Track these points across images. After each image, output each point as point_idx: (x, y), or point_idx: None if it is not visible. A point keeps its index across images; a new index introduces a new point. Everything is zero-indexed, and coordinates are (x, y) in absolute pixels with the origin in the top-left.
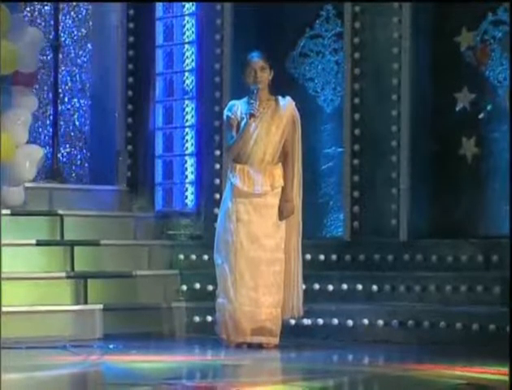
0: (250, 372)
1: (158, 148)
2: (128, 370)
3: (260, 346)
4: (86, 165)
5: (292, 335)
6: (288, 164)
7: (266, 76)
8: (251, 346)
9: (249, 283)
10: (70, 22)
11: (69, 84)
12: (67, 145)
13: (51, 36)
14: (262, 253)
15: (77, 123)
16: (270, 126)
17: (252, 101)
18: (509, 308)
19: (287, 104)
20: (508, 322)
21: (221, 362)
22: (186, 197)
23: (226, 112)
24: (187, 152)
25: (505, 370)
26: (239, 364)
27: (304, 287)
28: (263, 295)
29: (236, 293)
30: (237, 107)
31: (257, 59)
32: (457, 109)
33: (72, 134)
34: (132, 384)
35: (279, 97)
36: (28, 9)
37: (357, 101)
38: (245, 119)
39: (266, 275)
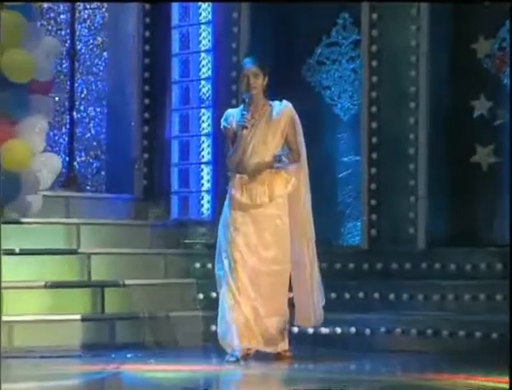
0: (269, 381)
1: (174, 156)
2: (147, 380)
3: (268, 355)
4: (102, 173)
5: (310, 345)
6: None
7: (259, 83)
8: (256, 355)
9: (251, 294)
10: (86, 31)
11: (85, 93)
12: (83, 154)
13: (67, 45)
14: (260, 265)
15: (93, 131)
16: (266, 134)
17: (243, 113)
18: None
19: (283, 109)
20: None
21: (238, 371)
22: (202, 206)
23: (222, 122)
24: (203, 160)
25: None
26: (256, 373)
27: None
28: (262, 305)
29: (239, 303)
30: (233, 117)
31: (250, 66)
32: (475, 116)
33: (88, 142)
34: None
35: (276, 102)
36: (45, 17)
37: (374, 109)
38: (239, 130)
39: (264, 286)
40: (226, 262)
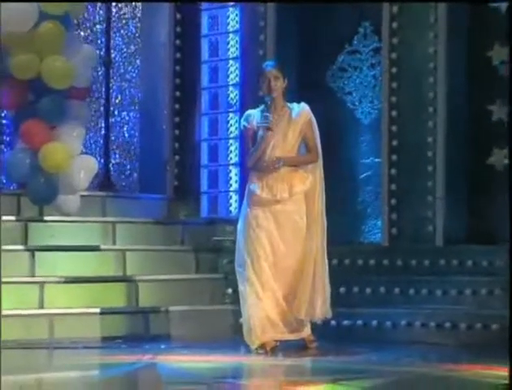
0: (299, 371)
1: (204, 158)
2: (181, 370)
3: (294, 345)
4: (135, 174)
5: (333, 337)
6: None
7: (280, 85)
8: (283, 345)
9: (274, 287)
10: (120, 40)
11: (119, 99)
12: (118, 156)
13: (102, 54)
14: (280, 259)
15: (126, 134)
16: (286, 132)
17: (267, 115)
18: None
19: (301, 110)
20: None
21: (268, 362)
22: (230, 205)
23: (242, 122)
24: (231, 162)
25: None
26: (285, 364)
27: (344, 290)
28: (284, 297)
29: (262, 299)
30: (253, 117)
31: (270, 68)
32: (491, 120)
33: (122, 145)
34: (187, 383)
35: (294, 104)
36: (81, 27)
37: (394, 113)
38: (260, 130)
39: (284, 279)
40: (247, 258)
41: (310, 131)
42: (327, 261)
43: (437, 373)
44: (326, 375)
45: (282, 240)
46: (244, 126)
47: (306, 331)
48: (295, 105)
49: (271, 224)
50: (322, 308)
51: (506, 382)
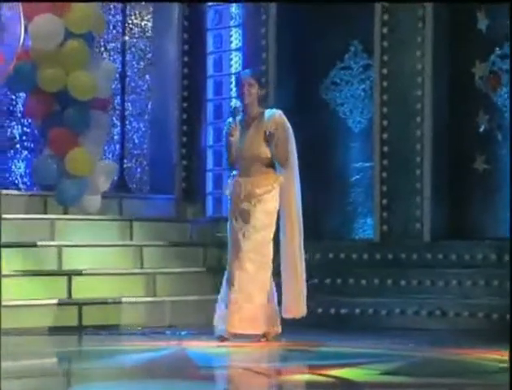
0: (315, 356)
1: (209, 163)
2: (208, 354)
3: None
4: (145, 178)
5: (333, 324)
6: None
7: (254, 92)
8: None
9: (243, 281)
10: (131, 56)
11: (131, 109)
12: (131, 161)
13: (118, 69)
14: (247, 254)
15: (137, 141)
16: (255, 138)
17: (229, 122)
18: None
19: (271, 116)
20: None
21: (284, 348)
22: None
23: (225, 129)
24: None
25: None
26: (303, 349)
27: (340, 282)
28: (254, 291)
29: (232, 288)
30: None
31: (245, 76)
32: (473, 130)
33: (135, 151)
34: (220, 367)
35: (267, 110)
36: (97, 45)
37: (385, 122)
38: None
39: (253, 275)
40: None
41: (280, 134)
42: (304, 255)
43: (438, 356)
44: (336, 360)
45: (253, 230)
46: (226, 133)
47: (275, 330)
48: (269, 111)
49: (246, 218)
50: (303, 306)
51: (504, 365)
